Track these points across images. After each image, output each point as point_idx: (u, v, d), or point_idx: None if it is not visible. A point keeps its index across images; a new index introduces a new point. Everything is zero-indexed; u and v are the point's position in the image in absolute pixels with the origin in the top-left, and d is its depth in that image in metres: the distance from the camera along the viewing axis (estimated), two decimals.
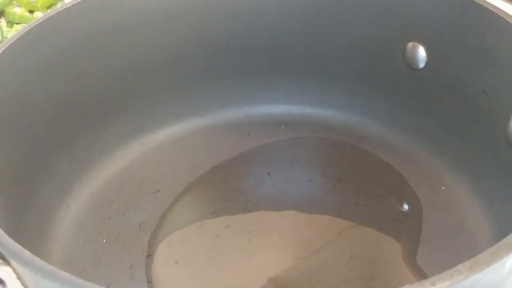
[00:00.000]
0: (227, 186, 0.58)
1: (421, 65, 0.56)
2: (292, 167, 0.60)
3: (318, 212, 0.53)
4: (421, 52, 0.56)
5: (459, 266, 0.31)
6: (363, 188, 0.56)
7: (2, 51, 0.48)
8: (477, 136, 0.51)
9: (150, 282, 0.48)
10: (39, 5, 0.79)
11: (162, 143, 0.63)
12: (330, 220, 0.52)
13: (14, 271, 0.36)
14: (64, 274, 0.33)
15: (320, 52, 0.61)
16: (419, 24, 0.55)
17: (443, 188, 0.55)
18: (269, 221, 0.53)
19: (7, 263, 0.36)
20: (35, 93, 0.52)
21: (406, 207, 0.54)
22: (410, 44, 0.56)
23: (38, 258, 0.34)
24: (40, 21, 0.52)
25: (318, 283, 0.47)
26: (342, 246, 0.50)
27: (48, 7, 0.81)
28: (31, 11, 0.80)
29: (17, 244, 0.35)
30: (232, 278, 0.48)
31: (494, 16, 0.49)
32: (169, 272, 0.49)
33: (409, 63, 0.56)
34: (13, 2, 0.80)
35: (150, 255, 0.51)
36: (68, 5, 0.54)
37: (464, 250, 0.48)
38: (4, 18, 0.80)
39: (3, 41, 0.68)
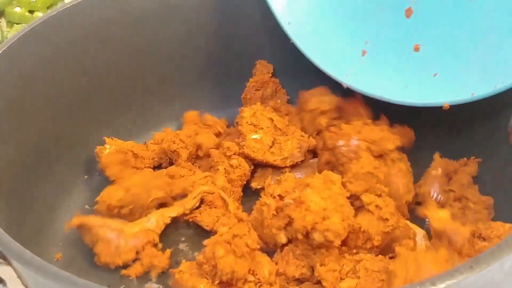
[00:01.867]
0: None
1: None
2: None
3: None
4: None
5: (459, 265, 0.31)
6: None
7: (2, 51, 0.48)
8: (477, 136, 0.51)
9: (151, 280, 0.48)
10: (39, 5, 0.80)
11: None
12: None
13: (15, 270, 0.36)
14: (64, 273, 0.33)
15: None
16: None
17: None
18: None
19: (8, 262, 0.36)
20: (36, 93, 0.52)
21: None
22: None
23: (38, 258, 0.34)
24: (40, 21, 0.52)
25: None
26: None
27: (48, 7, 0.81)
28: (31, 11, 0.80)
29: (18, 244, 0.35)
30: None
31: None
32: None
33: None
34: (13, 2, 0.80)
35: None
36: (68, 5, 0.54)
37: None
38: (4, 18, 0.80)
39: (3, 41, 0.68)
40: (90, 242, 0.49)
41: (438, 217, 0.45)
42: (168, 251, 0.49)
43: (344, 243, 0.44)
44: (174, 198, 0.53)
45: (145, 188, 0.51)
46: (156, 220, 0.51)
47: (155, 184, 0.52)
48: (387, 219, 0.45)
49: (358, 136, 0.49)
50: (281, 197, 0.45)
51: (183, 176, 0.54)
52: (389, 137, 0.50)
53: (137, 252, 0.49)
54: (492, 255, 0.31)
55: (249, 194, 0.54)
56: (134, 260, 0.49)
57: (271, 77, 0.63)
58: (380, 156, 0.49)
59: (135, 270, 0.48)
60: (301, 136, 0.54)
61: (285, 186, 0.45)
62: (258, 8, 0.60)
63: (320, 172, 0.46)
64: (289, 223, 0.44)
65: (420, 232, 0.46)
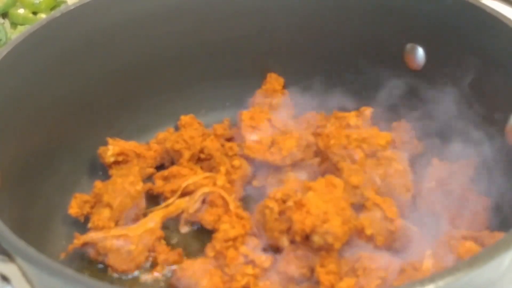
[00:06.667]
0: None
1: (420, 65, 0.56)
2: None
3: None
4: (420, 53, 0.56)
5: (458, 263, 0.31)
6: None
7: (7, 53, 0.49)
8: (476, 136, 0.52)
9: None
10: (43, 6, 0.80)
11: None
12: None
13: (19, 268, 0.37)
14: (69, 271, 0.33)
15: (318, 53, 0.61)
16: (417, 26, 0.55)
17: None
18: None
19: (13, 260, 0.36)
20: (39, 94, 0.52)
21: None
22: (409, 45, 0.57)
23: (43, 255, 0.34)
24: (43, 23, 0.52)
25: None
26: None
27: (51, 9, 0.81)
28: (34, 13, 0.80)
29: (22, 242, 0.35)
30: None
31: (490, 17, 0.49)
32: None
33: (408, 63, 0.57)
34: (16, 3, 0.81)
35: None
36: (71, 7, 0.54)
37: None
38: (8, 20, 0.80)
39: (7, 43, 0.69)
40: (98, 256, 0.49)
41: (468, 247, 0.43)
42: (179, 249, 0.50)
43: (345, 242, 0.44)
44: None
45: (124, 193, 0.51)
46: (158, 221, 0.51)
47: (129, 183, 0.51)
48: (389, 219, 0.45)
49: (348, 133, 0.50)
50: (283, 201, 0.46)
51: (184, 176, 0.54)
52: (379, 134, 0.50)
53: (149, 251, 0.49)
54: (491, 253, 0.32)
55: (250, 193, 0.55)
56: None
57: (282, 88, 0.64)
58: (373, 154, 0.50)
59: (152, 271, 0.49)
60: (299, 134, 0.54)
61: (287, 189, 0.46)
62: (261, 10, 0.61)
63: (322, 174, 0.47)
64: (291, 226, 0.44)
65: (427, 250, 0.44)
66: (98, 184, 0.53)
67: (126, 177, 0.52)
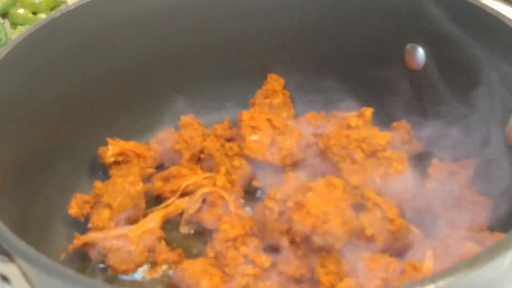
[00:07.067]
0: None
1: (420, 65, 0.56)
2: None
3: None
4: (420, 53, 0.56)
5: (459, 263, 0.31)
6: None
7: (7, 53, 0.49)
8: (476, 137, 0.52)
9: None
10: (43, 6, 0.80)
11: None
12: None
13: (19, 268, 0.37)
14: (69, 271, 0.33)
15: (318, 53, 0.61)
16: (417, 26, 0.56)
17: None
18: None
19: (12, 260, 0.36)
20: (39, 94, 0.52)
21: None
22: (409, 45, 0.57)
23: (43, 256, 0.34)
24: (43, 23, 0.52)
25: None
26: None
27: (51, 9, 0.81)
28: (34, 13, 0.80)
29: (22, 242, 0.35)
30: None
31: (490, 17, 0.49)
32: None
33: (408, 63, 0.57)
34: (16, 3, 0.81)
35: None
36: (71, 7, 0.54)
37: None
38: (8, 20, 0.80)
39: (7, 43, 0.69)
40: (98, 256, 0.49)
41: (468, 247, 0.44)
42: (179, 249, 0.51)
43: (346, 242, 0.44)
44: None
45: (124, 194, 0.51)
46: (158, 221, 0.51)
47: (129, 183, 0.52)
48: (389, 219, 0.45)
49: (348, 133, 0.50)
50: (283, 201, 0.46)
51: (184, 176, 0.55)
52: (379, 134, 0.50)
53: (149, 251, 0.50)
54: (491, 253, 0.32)
55: (250, 194, 0.55)
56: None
57: (283, 89, 0.64)
58: (373, 154, 0.50)
59: (151, 271, 0.49)
60: (300, 134, 0.55)
61: (287, 189, 0.46)
62: (261, 9, 0.61)
63: (322, 174, 0.47)
64: (291, 226, 0.44)
65: (428, 251, 0.44)
66: (98, 184, 0.53)
67: (126, 177, 0.52)
